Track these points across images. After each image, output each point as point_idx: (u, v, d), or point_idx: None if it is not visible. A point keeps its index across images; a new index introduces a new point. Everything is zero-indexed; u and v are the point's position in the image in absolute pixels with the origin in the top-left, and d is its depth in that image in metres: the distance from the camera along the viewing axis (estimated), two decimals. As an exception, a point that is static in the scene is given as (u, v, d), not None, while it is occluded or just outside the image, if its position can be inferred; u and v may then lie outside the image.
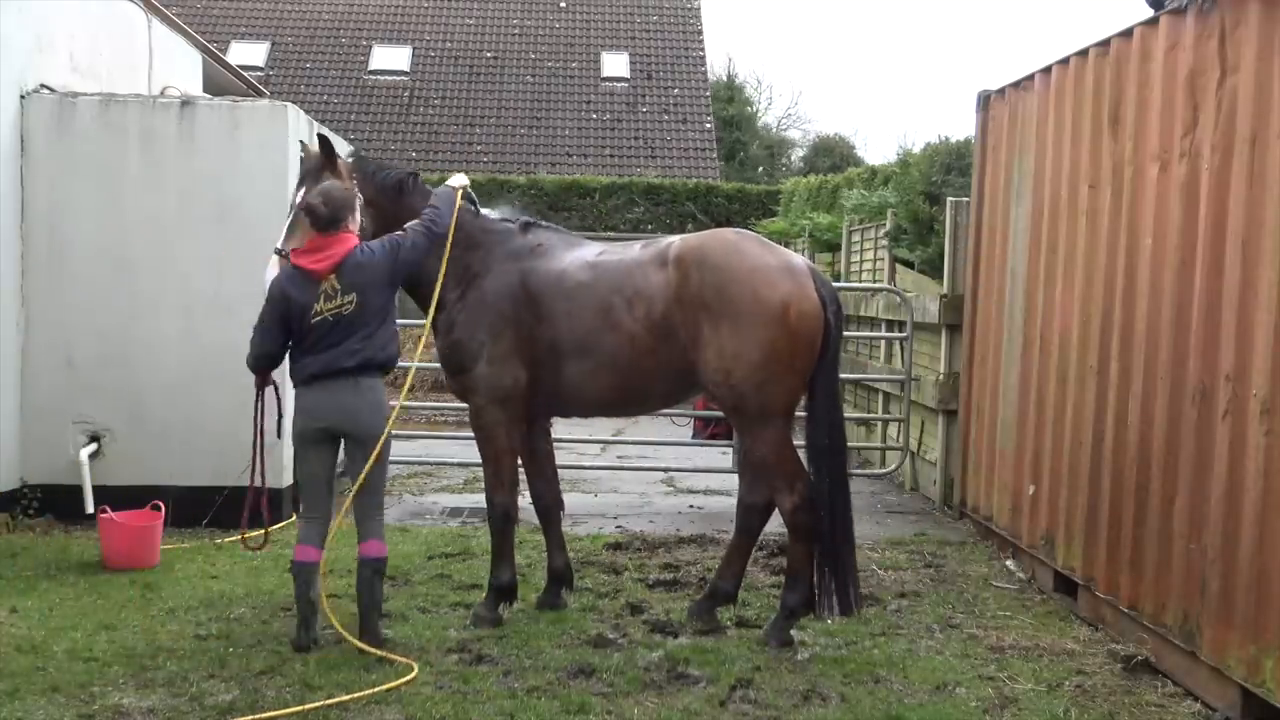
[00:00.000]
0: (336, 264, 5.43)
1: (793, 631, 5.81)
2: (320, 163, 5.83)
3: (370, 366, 5.49)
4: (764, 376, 5.54)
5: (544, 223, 6.31)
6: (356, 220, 5.65)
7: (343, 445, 5.61)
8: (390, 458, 5.85)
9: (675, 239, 5.96)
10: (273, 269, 5.61)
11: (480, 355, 5.88)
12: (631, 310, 5.72)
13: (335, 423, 5.49)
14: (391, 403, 5.80)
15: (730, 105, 37.41)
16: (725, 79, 39.36)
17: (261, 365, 5.64)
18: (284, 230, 5.75)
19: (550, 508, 6.37)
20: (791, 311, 5.55)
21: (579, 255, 5.98)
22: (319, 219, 5.47)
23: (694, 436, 11.86)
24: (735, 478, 10.31)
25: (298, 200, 5.75)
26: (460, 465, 10.22)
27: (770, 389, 5.58)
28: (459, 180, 6.07)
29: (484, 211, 6.20)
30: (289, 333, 5.51)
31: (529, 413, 6.07)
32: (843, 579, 5.70)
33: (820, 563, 5.72)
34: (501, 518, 6.04)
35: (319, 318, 5.41)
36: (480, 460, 6.12)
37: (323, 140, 5.91)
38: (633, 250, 5.98)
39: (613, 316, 5.75)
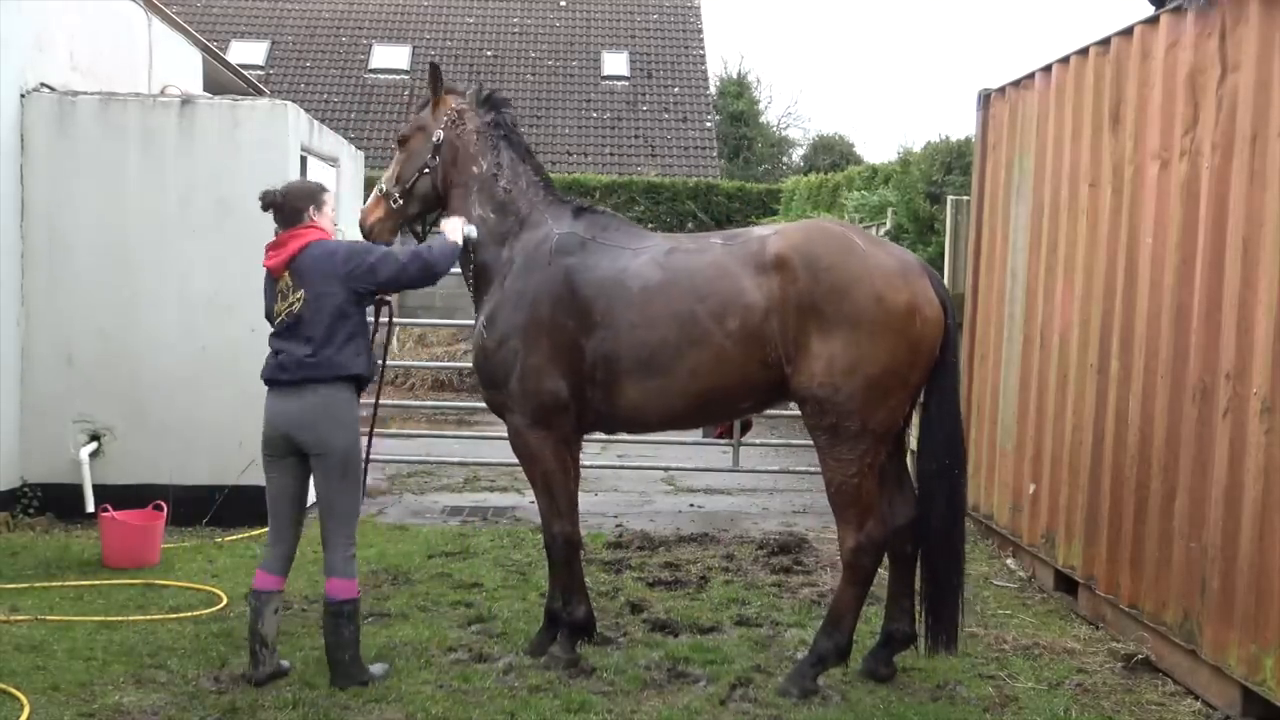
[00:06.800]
0: (289, 259, 4.97)
1: (801, 642, 5.78)
2: (425, 98, 5.53)
3: (323, 376, 4.91)
4: (877, 392, 4.86)
5: (600, 208, 5.54)
6: (326, 213, 5.14)
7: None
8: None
9: (768, 232, 5.16)
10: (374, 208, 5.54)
11: (514, 366, 5.19)
12: (722, 323, 4.94)
13: (288, 432, 4.92)
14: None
15: (739, 100, 37.38)
16: (735, 75, 39.31)
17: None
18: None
19: None
20: (917, 318, 4.89)
21: (644, 253, 5.18)
22: (277, 213, 5.05)
23: (704, 435, 11.87)
24: (735, 477, 10.40)
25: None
26: (460, 464, 10.19)
27: (877, 406, 4.89)
28: (455, 228, 5.35)
29: None
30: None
31: (576, 430, 5.37)
32: (948, 614, 5.20)
33: (924, 594, 5.24)
34: (564, 547, 5.40)
35: (278, 318, 5.00)
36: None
37: (433, 69, 5.50)
38: (713, 248, 5.14)
39: (696, 329, 4.96)
